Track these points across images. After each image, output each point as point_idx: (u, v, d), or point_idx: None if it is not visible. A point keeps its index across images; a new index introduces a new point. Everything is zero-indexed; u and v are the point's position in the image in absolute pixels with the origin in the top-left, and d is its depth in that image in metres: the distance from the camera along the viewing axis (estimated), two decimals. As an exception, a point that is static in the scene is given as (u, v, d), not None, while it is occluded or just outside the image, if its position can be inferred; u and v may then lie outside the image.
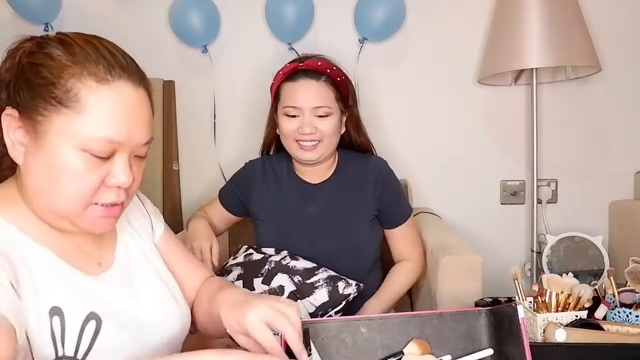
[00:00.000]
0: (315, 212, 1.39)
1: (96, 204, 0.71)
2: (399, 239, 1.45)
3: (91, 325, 0.70)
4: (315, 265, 1.32)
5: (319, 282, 1.29)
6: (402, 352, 0.82)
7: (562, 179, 1.96)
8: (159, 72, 1.85)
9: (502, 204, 1.98)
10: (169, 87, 1.87)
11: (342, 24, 1.89)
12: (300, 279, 1.29)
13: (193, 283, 0.96)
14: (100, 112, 0.68)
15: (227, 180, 1.87)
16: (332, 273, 1.32)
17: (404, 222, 1.43)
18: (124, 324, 0.75)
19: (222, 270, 1.37)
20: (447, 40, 1.91)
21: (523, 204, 1.97)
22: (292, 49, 1.85)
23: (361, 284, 1.31)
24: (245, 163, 1.52)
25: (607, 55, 1.86)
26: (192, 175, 1.94)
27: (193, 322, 0.93)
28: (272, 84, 1.42)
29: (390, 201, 1.42)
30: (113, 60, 0.70)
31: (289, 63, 1.40)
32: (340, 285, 1.29)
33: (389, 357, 0.82)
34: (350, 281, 1.31)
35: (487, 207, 1.97)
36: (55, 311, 0.67)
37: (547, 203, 1.94)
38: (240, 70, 1.91)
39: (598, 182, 1.95)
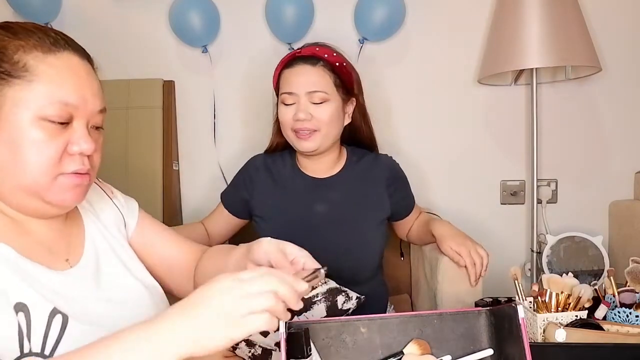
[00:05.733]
0: (323, 208, 1.37)
1: (63, 174, 0.72)
2: (409, 221, 1.53)
3: (57, 321, 0.69)
4: None
5: (317, 296, 1.24)
6: (402, 353, 0.82)
7: (562, 179, 1.96)
8: (159, 72, 1.86)
9: (502, 204, 1.97)
10: (169, 87, 1.87)
11: (342, 24, 1.89)
12: None
13: (188, 257, 0.98)
14: (51, 77, 0.70)
15: (227, 181, 1.88)
16: (333, 285, 1.28)
17: (412, 210, 1.52)
18: (91, 320, 0.74)
19: None
20: (447, 40, 1.91)
21: (523, 204, 1.96)
22: (292, 49, 1.85)
23: (362, 297, 1.28)
24: (248, 160, 1.51)
25: (607, 55, 1.86)
26: (192, 175, 1.94)
27: None
28: (274, 76, 1.41)
29: (402, 197, 1.46)
30: (56, 36, 0.74)
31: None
32: (340, 299, 1.25)
33: (389, 357, 0.82)
34: (351, 294, 1.27)
35: (487, 207, 1.97)
36: (20, 307, 0.67)
37: (547, 203, 1.94)
38: (240, 70, 1.91)
39: (598, 182, 1.95)
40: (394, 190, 1.42)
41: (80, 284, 0.77)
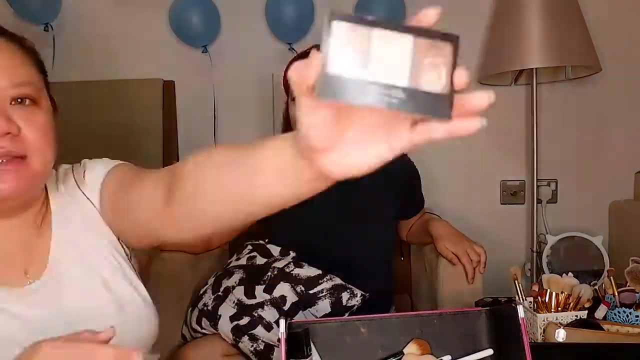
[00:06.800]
0: (333, 204, 1.38)
1: None
2: (411, 221, 1.55)
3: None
4: (320, 272, 1.30)
5: (322, 292, 1.26)
6: (402, 353, 0.82)
7: (562, 179, 1.96)
8: (159, 72, 1.85)
9: (502, 204, 1.97)
10: (169, 87, 1.86)
11: (342, 24, 1.88)
12: (302, 288, 1.26)
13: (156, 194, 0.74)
14: None
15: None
16: (338, 282, 1.29)
17: (419, 212, 1.55)
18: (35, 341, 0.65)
19: (224, 271, 1.36)
20: (447, 40, 1.91)
21: (523, 204, 1.96)
22: (292, 49, 1.85)
23: (366, 294, 1.29)
24: None
25: (607, 55, 1.86)
26: (192, 175, 1.94)
27: None
28: (283, 76, 1.44)
29: (411, 195, 1.49)
30: None
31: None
32: (344, 296, 1.27)
33: (389, 357, 0.82)
34: (356, 291, 1.28)
35: (487, 207, 1.97)
36: None
37: (547, 203, 1.94)
38: (240, 70, 1.91)
39: (598, 182, 1.95)
40: (400, 187, 1.44)
41: (38, 301, 0.69)
